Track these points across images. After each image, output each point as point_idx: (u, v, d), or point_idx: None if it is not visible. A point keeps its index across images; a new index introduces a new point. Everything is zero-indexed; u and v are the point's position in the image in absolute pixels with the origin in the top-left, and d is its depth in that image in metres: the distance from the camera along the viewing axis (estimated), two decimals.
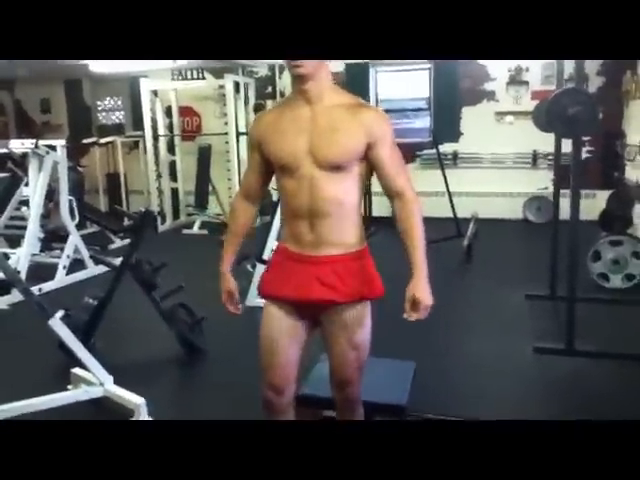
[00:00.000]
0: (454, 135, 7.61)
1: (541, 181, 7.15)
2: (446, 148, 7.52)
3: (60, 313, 2.89)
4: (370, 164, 1.78)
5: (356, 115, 1.71)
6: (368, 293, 1.87)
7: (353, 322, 1.85)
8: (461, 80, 7.52)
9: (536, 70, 7.26)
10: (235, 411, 2.79)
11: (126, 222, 6.11)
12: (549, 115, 3.26)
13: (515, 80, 7.40)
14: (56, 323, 2.78)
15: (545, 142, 5.64)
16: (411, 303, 1.78)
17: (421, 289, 1.78)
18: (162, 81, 8.03)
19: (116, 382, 2.97)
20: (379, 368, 2.64)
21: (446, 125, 7.55)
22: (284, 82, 7.93)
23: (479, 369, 3.36)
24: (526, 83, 7.35)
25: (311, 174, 1.73)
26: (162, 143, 7.89)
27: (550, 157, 6.98)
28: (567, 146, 3.51)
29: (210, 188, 7.76)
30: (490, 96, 7.51)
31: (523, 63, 7.29)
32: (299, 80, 1.71)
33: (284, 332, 1.88)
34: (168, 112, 8.01)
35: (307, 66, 1.67)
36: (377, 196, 7.54)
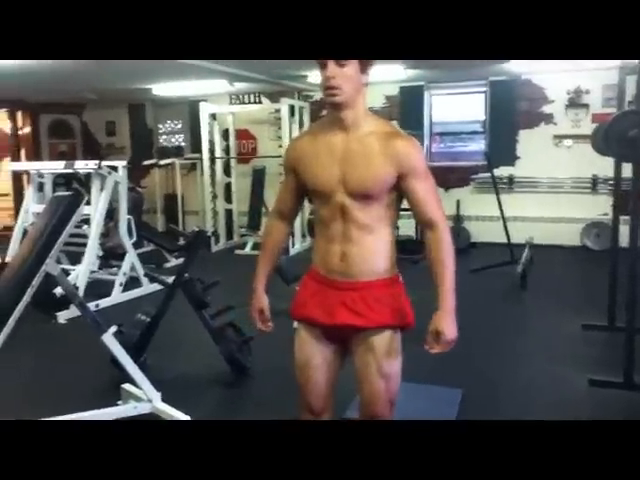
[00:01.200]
0: (510, 159, 7.48)
1: (601, 207, 6.91)
2: (502, 172, 7.40)
3: (113, 329, 2.98)
4: (402, 194, 1.78)
5: (388, 146, 1.71)
6: (397, 321, 1.85)
7: (380, 349, 1.83)
8: (518, 103, 7.40)
9: (597, 92, 7.07)
10: None
11: (181, 242, 6.28)
12: (607, 138, 3.17)
13: (575, 103, 7.23)
14: (108, 338, 2.87)
15: (606, 167, 5.46)
16: (434, 335, 1.74)
17: (446, 322, 1.75)
18: (220, 105, 8.26)
19: (164, 398, 3.03)
20: (425, 395, 2.60)
21: (502, 148, 7.44)
22: None
23: (530, 400, 3.24)
24: (586, 106, 7.17)
25: (343, 202, 1.75)
26: (218, 165, 8.08)
27: (610, 182, 6.75)
28: (628, 170, 3.39)
29: (263, 210, 7.88)
30: (548, 119, 7.36)
31: (583, 85, 7.12)
32: (334, 107, 1.73)
33: (315, 355, 1.89)
34: (225, 135, 8.22)
35: (343, 94, 1.68)
36: None
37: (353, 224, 1.76)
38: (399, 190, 1.76)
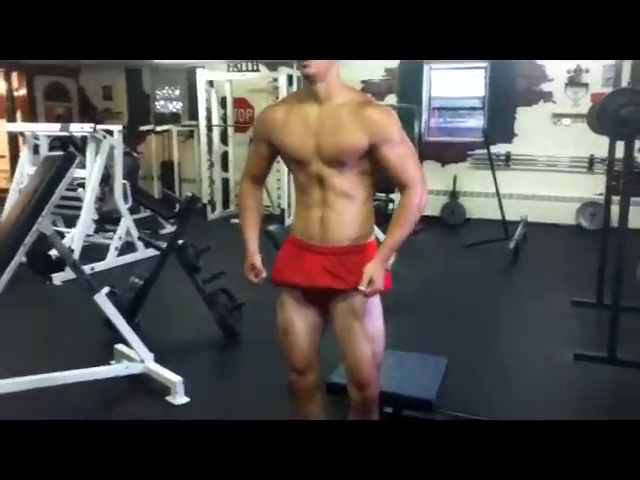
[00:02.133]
0: (507, 136, 7.47)
1: (597, 187, 6.92)
2: (499, 149, 7.39)
3: (106, 289, 3.01)
4: (376, 161, 1.80)
5: (360, 114, 1.75)
6: None
7: (362, 312, 1.87)
8: (517, 80, 7.36)
9: (597, 72, 7.03)
10: (267, 393, 2.86)
11: (177, 208, 6.29)
12: (601, 116, 3.18)
13: (574, 82, 7.19)
14: (101, 298, 2.90)
15: (603, 147, 5.47)
16: (367, 280, 1.77)
17: (377, 270, 1.78)
18: (218, 72, 8.19)
19: (156, 360, 3.08)
20: (410, 362, 2.65)
21: (500, 125, 7.41)
22: None
23: (515, 371, 3.31)
24: (586, 85, 7.14)
25: (320, 170, 1.80)
26: (216, 133, 8.04)
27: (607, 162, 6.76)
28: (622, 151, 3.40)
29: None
30: (547, 97, 7.33)
31: (583, 64, 7.08)
32: (308, 79, 1.76)
33: (297, 317, 1.96)
34: (223, 103, 8.16)
35: (315, 66, 1.71)
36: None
37: (330, 191, 1.81)
38: (374, 157, 1.79)
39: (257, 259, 1.99)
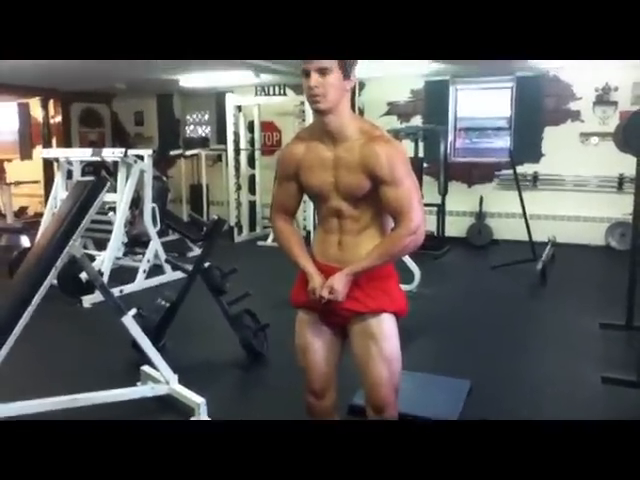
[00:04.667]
0: (535, 156, 7.42)
1: (626, 206, 6.78)
2: (526, 169, 7.35)
3: (133, 311, 3.07)
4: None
5: (363, 154, 1.80)
6: (392, 307, 1.92)
7: (379, 334, 1.90)
8: (544, 99, 7.33)
9: (626, 89, 6.97)
10: (290, 414, 2.86)
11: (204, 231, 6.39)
12: (625, 134, 3.15)
13: (603, 100, 7.13)
14: (128, 320, 2.96)
15: (633, 165, 5.39)
16: (328, 287, 1.84)
17: (339, 280, 1.84)
18: (246, 97, 8.34)
19: (180, 380, 3.12)
20: (433, 384, 2.64)
21: (527, 145, 7.38)
22: (363, 99, 8.03)
23: (541, 394, 3.25)
24: (614, 103, 7.07)
25: (338, 204, 1.87)
26: (243, 157, 8.17)
27: None
28: None
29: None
30: (575, 116, 7.27)
31: (612, 82, 7.02)
32: (319, 113, 1.81)
33: (315, 339, 1.99)
34: (250, 127, 8.30)
35: (325, 102, 1.76)
36: (451, 216, 7.48)
37: (348, 219, 1.88)
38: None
39: (321, 277, 1.92)
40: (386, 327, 1.91)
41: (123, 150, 5.54)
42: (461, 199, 7.62)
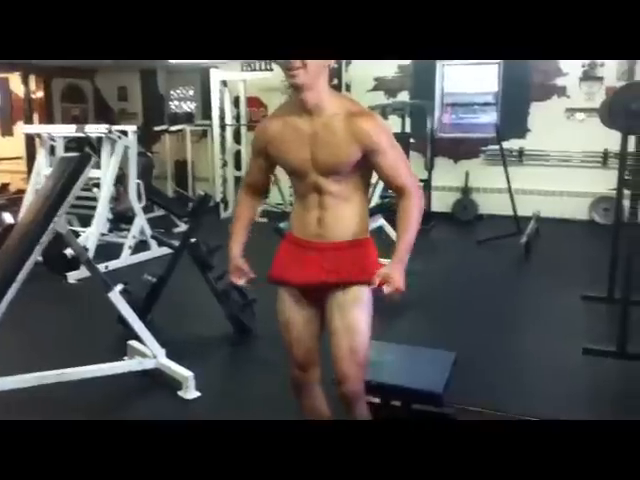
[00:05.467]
0: (520, 131, 7.43)
1: (611, 181, 6.83)
2: (512, 144, 7.36)
3: (119, 287, 3.06)
4: (370, 167, 1.87)
5: (350, 126, 1.79)
6: (366, 278, 1.88)
7: (347, 304, 1.89)
8: (531, 75, 7.32)
9: (612, 65, 6.97)
10: (278, 387, 2.89)
11: (190, 207, 6.36)
12: (611, 110, 3.17)
13: (589, 76, 7.14)
14: (115, 296, 2.96)
15: (618, 141, 5.43)
16: (381, 279, 1.77)
17: (396, 271, 1.79)
18: (231, 72, 8.25)
19: (168, 355, 3.14)
20: (418, 356, 2.68)
21: (513, 121, 7.39)
22: (350, 75, 7.97)
23: (525, 365, 3.32)
24: (600, 79, 7.08)
25: (317, 180, 1.86)
26: (229, 133, 8.10)
27: None
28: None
29: (272, 178, 7.90)
30: (561, 92, 7.28)
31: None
32: (296, 89, 1.78)
33: (296, 314, 2.00)
34: (236, 102, 8.22)
35: (302, 76, 1.73)
36: (437, 190, 7.50)
37: (327, 196, 1.87)
38: (367, 164, 1.85)
39: (240, 262, 2.07)
40: (355, 298, 1.90)
41: (107, 126, 5.48)
42: (447, 174, 7.64)
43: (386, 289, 1.76)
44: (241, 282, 2.08)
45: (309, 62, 1.72)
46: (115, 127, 5.63)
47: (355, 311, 1.90)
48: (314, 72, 1.74)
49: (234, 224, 2.12)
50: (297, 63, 1.71)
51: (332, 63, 1.84)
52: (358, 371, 1.92)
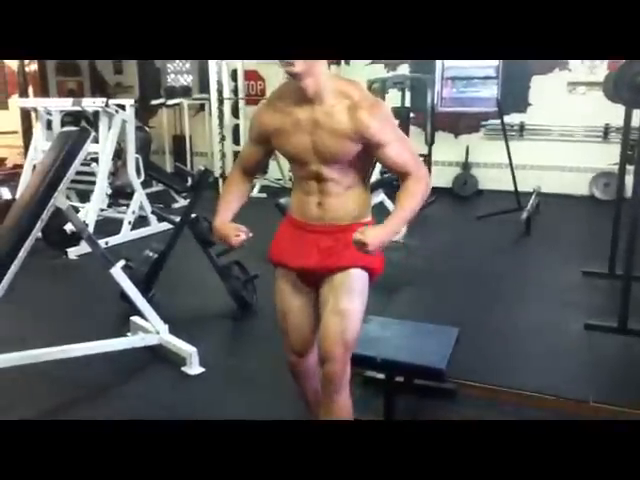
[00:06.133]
0: (521, 105, 7.37)
1: (612, 156, 6.82)
2: (513, 119, 7.31)
3: (121, 263, 3.05)
4: (372, 154, 1.83)
5: (350, 118, 1.73)
6: (363, 263, 1.87)
7: (340, 286, 1.86)
8: None
9: None
10: (280, 362, 2.91)
11: (189, 182, 6.33)
12: (617, 84, 3.13)
13: None
14: (117, 272, 2.95)
15: (619, 115, 5.40)
16: (361, 234, 1.71)
17: (376, 232, 1.73)
18: None
19: (171, 331, 3.14)
20: (421, 332, 2.68)
21: (514, 95, 7.32)
22: None
23: (526, 341, 3.34)
24: None
25: (317, 167, 1.82)
26: (227, 106, 8.00)
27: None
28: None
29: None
30: (562, 65, 7.20)
31: None
32: (295, 78, 1.72)
33: (293, 299, 1.98)
34: (234, 76, 8.11)
35: (299, 65, 1.67)
36: (437, 165, 7.45)
37: (329, 182, 1.83)
38: (370, 153, 1.82)
39: (228, 225, 1.95)
40: (350, 281, 1.86)
41: (104, 100, 5.41)
42: (447, 149, 7.59)
43: (357, 241, 1.71)
44: (239, 241, 1.92)
45: None
46: (112, 101, 5.56)
47: (349, 295, 1.86)
48: (311, 60, 1.68)
49: (222, 200, 2.02)
50: None
51: None
52: (343, 354, 1.86)
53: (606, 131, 7.07)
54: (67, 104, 5.88)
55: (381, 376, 2.55)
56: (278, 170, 7.89)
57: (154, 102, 8.41)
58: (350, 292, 1.86)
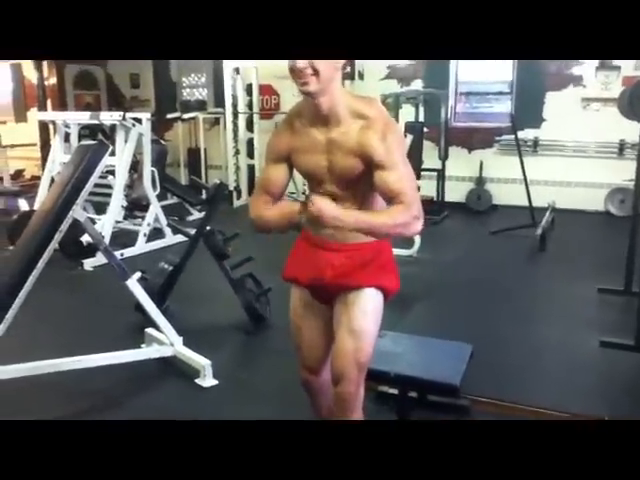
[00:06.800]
0: (536, 121, 7.37)
1: (627, 172, 6.78)
2: (527, 134, 7.30)
3: (137, 275, 3.08)
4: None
5: (358, 139, 1.72)
6: (379, 283, 1.87)
7: (355, 306, 1.84)
8: (546, 64, 7.23)
9: None
10: (293, 376, 2.91)
11: (204, 195, 6.37)
12: (631, 100, 3.13)
13: (605, 65, 7.04)
14: (133, 283, 2.98)
15: (634, 131, 5.37)
16: (321, 200, 1.67)
17: (333, 208, 1.67)
18: (244, 59, 8.21)
19: (185, 343, 3.16)
20: (435, 347, 2.67)
21: (528, 110, 7.31)
22: (362, 63, 7.91)
23: (541, 357, 3.31)
24: (617, 68, 6.98)
25: (332, 186, 1.80)
26: (241, 120, 8.08)
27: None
28: None
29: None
30: (577, 81, 7.19)
31: None
32: (309, 96, 1.71)
33: (307, 316, 1.97)
34: (249, 90, 8.19)
35: (314, 84, 1.66)
36: (451, 181, 7.46)
37: (343, 200, 1.78)
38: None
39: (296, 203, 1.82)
40: (365, 301, 1.85)
41: (121, 113, 5.49)
42: (461, 164, 7.59)
43: (312, 206, 1.66)
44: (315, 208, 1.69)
45: (320, 69, 1.64)
46: (129, 114, 5.64)
47: (363, 315, 1.85)
48: (326, 78, 1.67)
49: (270, 215, 1.85)
50: (308, 70, 1.64)
51: (344, 64, 1.76)
52: (357, 375, 1.86)
53: (621, 147, 7.04)
54: (85, 117, 5.98)
55: (394, 391, 2.54)
56: (291, 183, 7.91)
57: (170, 116, 8.51)
58: (364, 312, 1.85)
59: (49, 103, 9.08)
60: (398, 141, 1.77)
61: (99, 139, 5.92)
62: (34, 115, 8.25)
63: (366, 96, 1.87)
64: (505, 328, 3.71)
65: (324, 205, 1.66)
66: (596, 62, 7.06)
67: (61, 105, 9.10)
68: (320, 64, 1.65)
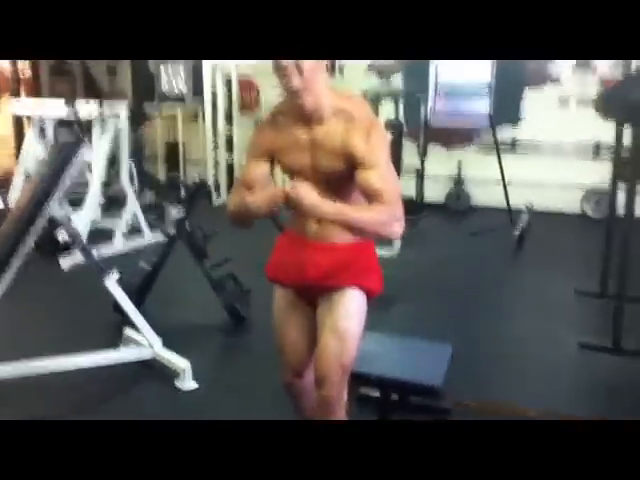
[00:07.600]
0: (514, 118, 7.41)
1: (602, 173, 6.89)
2: (505, 133, 7.35)
3: (116, 275, 3.02)
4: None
5: (342, 137, 1.72)
6: (362, 284, 1.87)
7: (339, 308, 1.84)
8: (524, 63, 7.27)
9: None
10: (274, 377, 2.89)
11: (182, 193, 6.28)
12: (609, 100, 3.16)
13: (583, 64, 7.11)
14: (111, 283, 2.92)
15: (610, 132, 5.43)
16: (301, 186, 1.67)
17: (314, 196, 1.66)
18: None
19: (165, 344, 3.11)
20: (415, 348, 2.67)
21: (506, 108, 7.34)
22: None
23: (519, 359, 3.34)
24: (594, 68, 7.06)
25: (317, 182, 1.76)
26: (220, 115, 7.99)
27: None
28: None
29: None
30: (555, 80, 7.25)
31: None
32: (293, 95, 1.71)
33: (290, 316, 1.96)
34: (228, 84, 8.10)
35: (297, 81, 1.66)
36: (429, 180, 7.47)
37: (329, 197, 1.74)
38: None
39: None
40: (349, 301, 1.85)
41: (97, 101, 5.36)
42: (440, 163, 7.61)
43: (293, 188, 1.67)
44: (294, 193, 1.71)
45: (304, 65, 1.63)
46: (106, 102, 5.50)
47: (347, 317, 1.84)
48: (310, 75, 1.66)
49: (246, 201, 1.80)
50: (291, 67, 1.63)
51: (329, 62, 1.77)
52: (340, 377, 1.86)
53: (597, 148, 7.12)
54: (60, 109, 5.81)
55: (376, 394, 2.54)
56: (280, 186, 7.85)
57: (149, 111, 8.38)
58: (348, 313, 1.85)
59: (22, 90, 8.86)
60: (382, 141, 1.77)
61: (75, 130, 5.79)
62: (7, 103, 8.03)
63: (351, 94, 1.86)
64: (484, 330, 3.74)
65: (305, 191, 1.66)
66: (573, 61, 7.12)
67: (35, 93, 8.88)
68: (305, 63, 1.64)
